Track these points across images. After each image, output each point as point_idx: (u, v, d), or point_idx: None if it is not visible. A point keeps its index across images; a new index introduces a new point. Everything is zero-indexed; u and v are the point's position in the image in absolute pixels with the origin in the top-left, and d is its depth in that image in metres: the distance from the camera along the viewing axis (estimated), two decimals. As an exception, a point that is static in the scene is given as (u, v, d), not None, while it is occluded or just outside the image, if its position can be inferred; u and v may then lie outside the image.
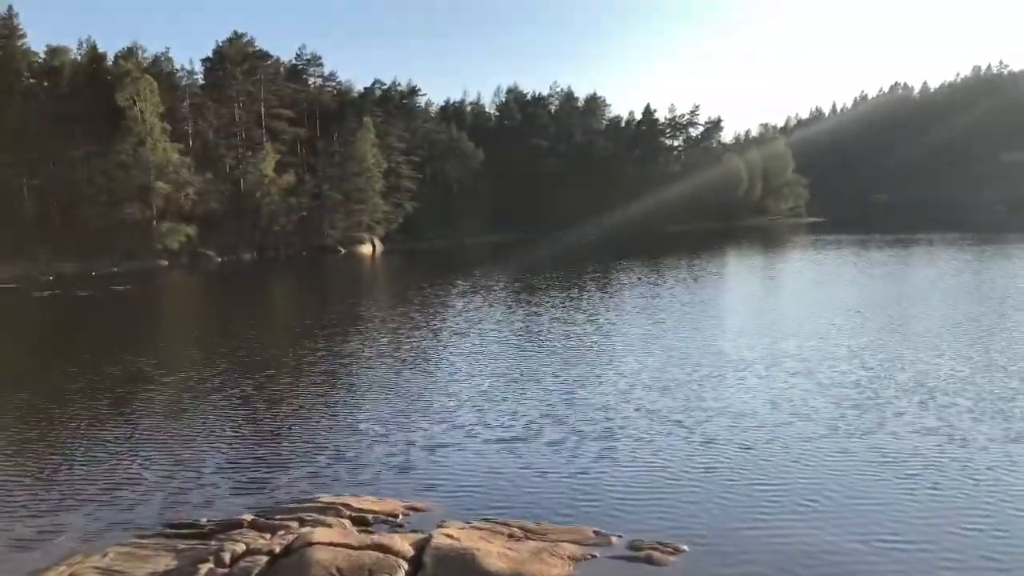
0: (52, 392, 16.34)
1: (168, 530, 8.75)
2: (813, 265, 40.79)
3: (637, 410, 12.45)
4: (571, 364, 16.52)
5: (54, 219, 76.97)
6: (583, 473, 9.72)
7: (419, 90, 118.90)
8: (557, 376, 15.32)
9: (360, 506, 9.00)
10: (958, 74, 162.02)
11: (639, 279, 36.94)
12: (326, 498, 9.28)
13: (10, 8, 77.47)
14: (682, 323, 21.90)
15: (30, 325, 33.48)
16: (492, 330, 22.27)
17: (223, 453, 11.37)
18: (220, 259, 78.34)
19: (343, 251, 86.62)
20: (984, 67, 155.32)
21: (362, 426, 12.40)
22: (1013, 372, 14.13)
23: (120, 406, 14.75)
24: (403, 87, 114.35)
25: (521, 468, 10.00)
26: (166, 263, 74.01)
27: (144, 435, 12.60)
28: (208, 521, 8.77)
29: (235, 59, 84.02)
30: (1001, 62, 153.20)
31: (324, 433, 12.20)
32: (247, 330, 25.00)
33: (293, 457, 11.06)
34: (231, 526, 8.62)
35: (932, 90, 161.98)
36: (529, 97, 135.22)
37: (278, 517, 8.79)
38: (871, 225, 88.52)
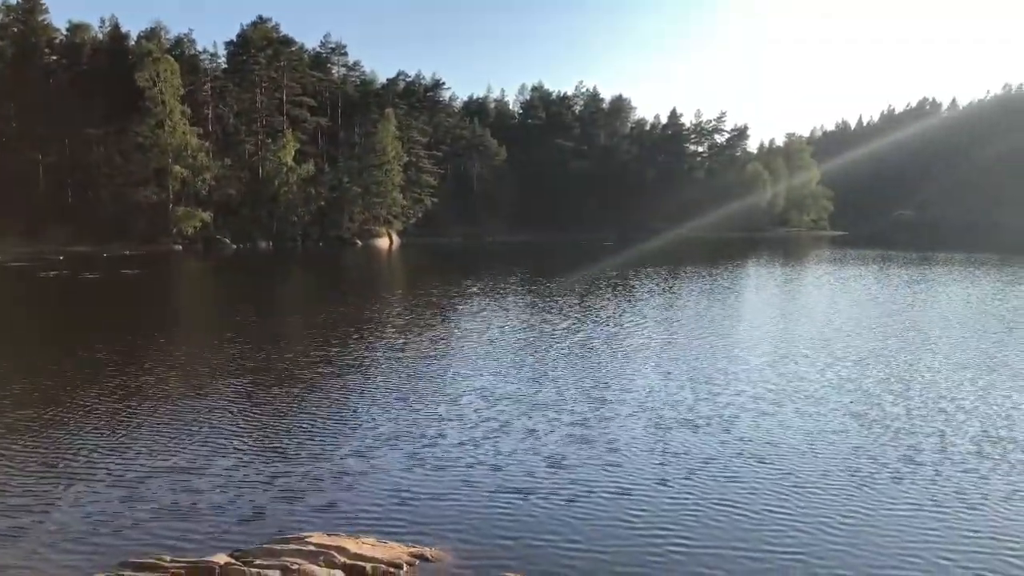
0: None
1: (125, 572, 7.65)
2: (840, 282, 39.48)
3: (660, 455, 11.16)
4: (586, 390, 15.14)
5: (70, 200, 76.66)
6: (599, 536, 8.54)
7: (443, 84, 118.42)
8: (571, 403, 14.05)
9: (358, 551, 7.78)
10: (988, 91, 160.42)
11: (660, 288, 35.78)
12: (317, 538, 8.04)
13: (32, -19, 77.18)
14: (708, 344, 20.61)
15: (13, 306, 32.50)
16: (500, 341, 21.02)
17: (193, 475, 10.15)
18: (235, 246, 77.67)
19: (359, 244, 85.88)
20: (1015, 86, 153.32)
21: (357, 451, 11.19)
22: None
23: (71, 412, 13.33)
24: (427, 80, 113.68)
25: (536, 519, 8.82)
26: (180, 248, 73.48)
27: (100, 449, 11.23)
28: (172, 561, 7.57)
29: (259, 44, 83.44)
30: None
31: (312, 457, 10.97)
32: (242, 327, 23.91)
33: (277, 483, 9.88)
34: (200, 570, 7.50)
35: (961, 108, 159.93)
36: (554, 96, 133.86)
37: (257, 562, 7.62)
38: (892, 242, 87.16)
